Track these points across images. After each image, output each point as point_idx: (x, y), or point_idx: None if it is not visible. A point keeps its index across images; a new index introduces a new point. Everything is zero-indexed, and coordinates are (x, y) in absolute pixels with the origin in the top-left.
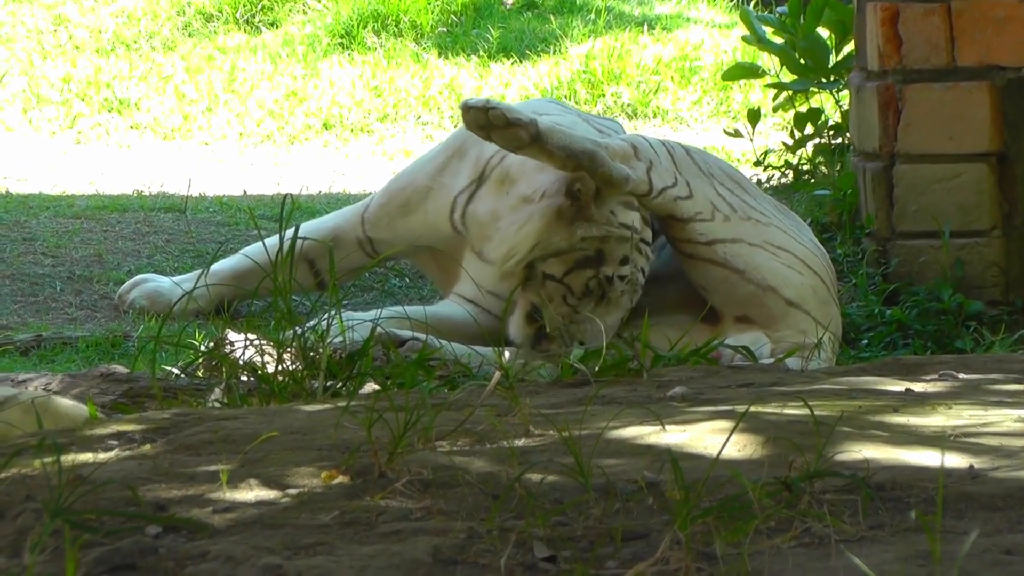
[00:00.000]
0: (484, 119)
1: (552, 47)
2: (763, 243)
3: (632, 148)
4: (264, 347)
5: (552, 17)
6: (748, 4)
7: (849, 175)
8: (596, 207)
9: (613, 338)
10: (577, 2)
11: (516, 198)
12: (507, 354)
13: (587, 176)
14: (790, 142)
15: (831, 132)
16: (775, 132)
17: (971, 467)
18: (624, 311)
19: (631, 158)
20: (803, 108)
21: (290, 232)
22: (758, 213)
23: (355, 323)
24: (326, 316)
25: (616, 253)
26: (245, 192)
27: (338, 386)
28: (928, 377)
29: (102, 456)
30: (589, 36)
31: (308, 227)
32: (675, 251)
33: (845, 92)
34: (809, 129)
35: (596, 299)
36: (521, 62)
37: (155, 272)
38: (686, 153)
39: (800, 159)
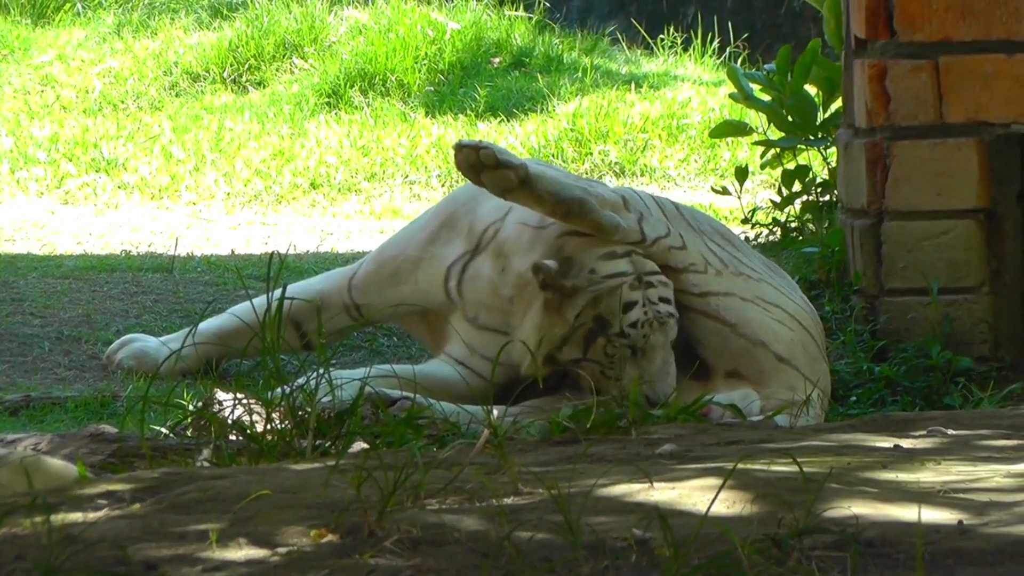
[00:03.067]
0: (475, 158)
1: (539, 106)
2: (755, 298)
3: (622, 199)
4: (253, 406)
5: (539, 76)
6: (735, 61)
7: (837, 232)
8: (572, 279)
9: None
10: (564, 61)
11: (512, 279)
12: (496, 412)
13: (543, 264)
14: (778, 199)
15: (819, 189)
16: (763, 190)
17: (960, 522)
18: (663, 349)
19: (620, 208)
20: (791, 165)
21: (278, 292)
22: (749, 269)
23: (344, 382)
24: (314, 375)
25: (614, 307)
26: (233, 252)
27: (327, 445)
28: (917, 433)
29: (92, 515)
30: (576, 94)
31: (294, 289)
32: None
33: (833, 149)
34: (797, 186)
35: (627, 358)
36: (508, 121)
37: (143, 332)
38: (675, 208)
39: (788, 216)
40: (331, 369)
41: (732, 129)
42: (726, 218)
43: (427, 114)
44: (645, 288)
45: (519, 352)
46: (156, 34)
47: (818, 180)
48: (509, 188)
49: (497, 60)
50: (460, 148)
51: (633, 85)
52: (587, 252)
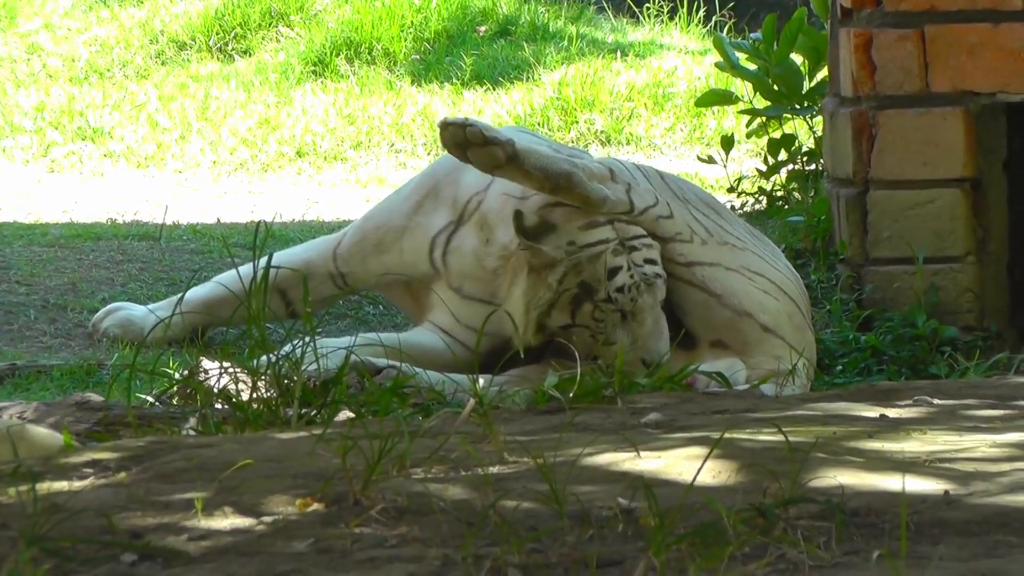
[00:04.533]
0: (461, 136)
1: (525, 74)
2: (740, 268)
3: (609, 171)
4: (238, 375)
5: (525, 45)
6: (721, 30)
7: (823, 201)
8: (553, 244)
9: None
10: (550, 29)
11: (496, 251)
12: (481, 381)
13: (521, 214)
14: (764, 168)
15: (805, 158)
16: (748, 158)
17: (946, 492)
18: (653, 310)
19: (608, 180)
20: (776, 134)
21: (263, 261)
22: (734, 238)
23: (329, 351)
24: (300, 343)
25: (598, 273)
26: (219, 220)
27: (312, 414)
28: (903, 403)
29: (77, 484)
30: (562, 63)
31: (280, 258)
32: None
33: (819, 118)
34: (783, 155)
35: (617, 322)
36: (494, 89)
37: (129, 300)
38: (660, 177)
39: (774, 185)
40: (316, 338)
41: (718, 98)
42: (712, 187)
43: (413, 82)
44: (629, 252)
45: (511, 325)
46: (142, 2)
47: (804, 149)
48: (497, 164)
49: (483, 28)
50: (446, 126)
51: (619, 54)
52: (570, 222)
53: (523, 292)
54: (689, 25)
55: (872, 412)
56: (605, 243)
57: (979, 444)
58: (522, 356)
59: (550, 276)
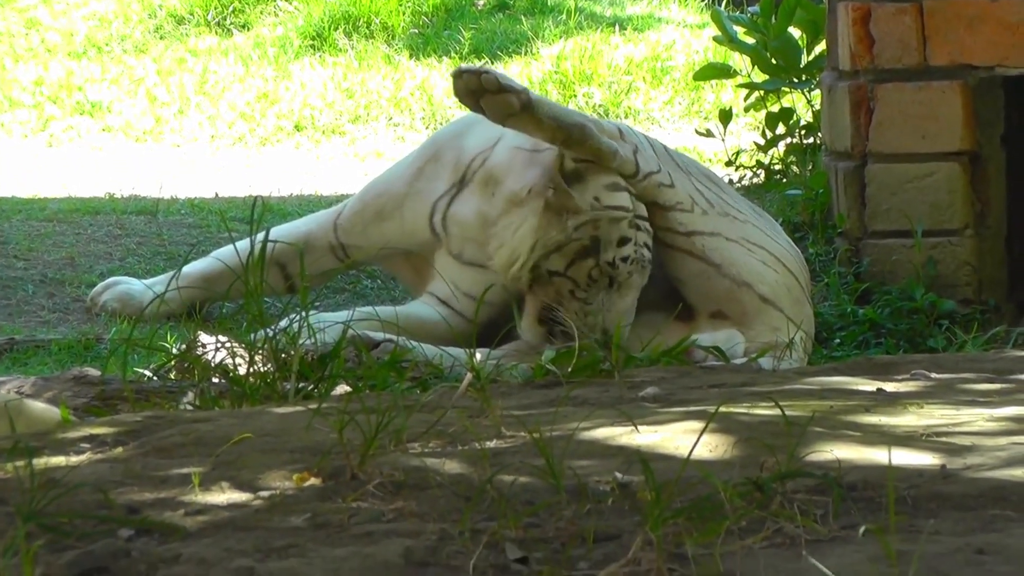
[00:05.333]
0: (476, 83)
1: (524, 48)
2: (740, 239)
3: (619, 131)
4: (236, 349)
5: (523, 18)
6: (720, 4)
7: (821, 175)
8: (579, 193)
9: (588, 338)
10: (548, 3)
11: (503, 199)
12: (479, 355)
13: (563, 155)
14: (762, 142)
15: (803, 132)
16: (747, 132)
17: (943, 467)
18: (636, 290)
19: (617, 138)
20: (775, 108)
21: (261, 235)
22: (735, 210)
23: (326, 325)
24: (297, 318)
25: (612, 236)
26: (217, 194)
27: (310, 388)
28: (900, 377)
29: (74, 459)
30: (560, 37)
31: (280, 231)
32: (654, 241)
33: (817, 92)
34: (781, 129)
35: (604, 286)
36: (493, 63)
37: (127, 275)
38: (664, 148)
39: (772, 159)
40: (314, 312)
41: (716, 72)
42: (710, 160)
43: (411, 56)
44: (636, 230)
45: (502, 260)
46: None
47: (802, 123)
48: (511, 113)
49: (481, 2)
50: (460, 74)
51: (617, 27)
52: (597, 180)
53: (534, 229)
54: None
55: (869, 386)
56: (625, 211)
57: (976, 418)
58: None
59: (569, 221)
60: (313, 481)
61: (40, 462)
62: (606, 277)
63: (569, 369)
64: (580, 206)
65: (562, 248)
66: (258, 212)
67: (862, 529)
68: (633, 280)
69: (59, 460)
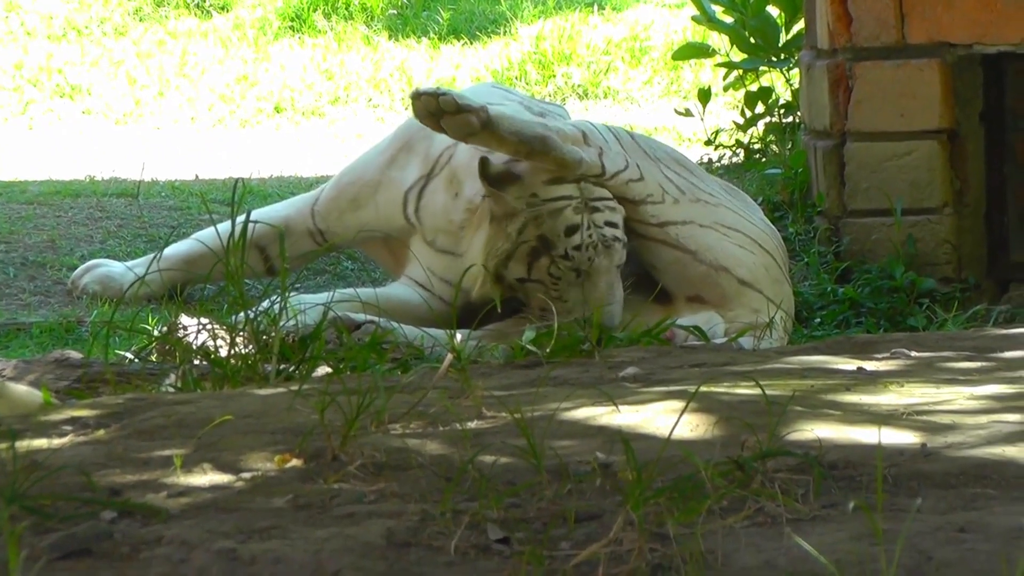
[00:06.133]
0: (435, 105)
1: (502, 28)
2: (714, 224)
3: (582, 134)
4: (217, 331)
5: None
6: None
7: (800, 154)
8: (516, 194)
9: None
10: None
11: (463, 206)
12: (459, 336)
13: (487, 160)
14: (741, 121)
15: (782, 111)
16: (726, 111)
17: (924, 445)
18: (608, 272)
19: (581, 143)
20: (753, 87)
21: (242, 217)
22: (707, 195)
23: (307, 306)
24: (278, 299)
25: (557, 228)
26: (197, 176)
27: (291, 370)
28: (880, 355)
29: (57, 442)
30: (539, 17)
31: (259, 215)
32: (628, 234)
33: (795, 71)
34: (760, 108)
35: (572, 280)
36: (472, 44)
37: (108, 257)
38: (631, 138)
39: (751, 138)
40: (294, 293)
41: (695, 51)
42: (689, 140)
43: (390, 37)
44: (590, 212)
45: (470, 277)
46: None
47: (781, 102)
48: (472, 132)
49: None
50: (418, 96)
51: (596, 7)
52: (534, 175)
53: (484, 242)
54: None
55: (850, 365)
56: (567, 200)
57: (957, 396)
58: (497, 311)
59: (510, 226)
60: (295, 462)
61: (22, 445)
62: (569, 271)
63: (549, 349)
64: (516, 207)
65: (513, 255)
66: (239, 194)
67: (851, 505)
68: (598, 264)
69: (41, 442)
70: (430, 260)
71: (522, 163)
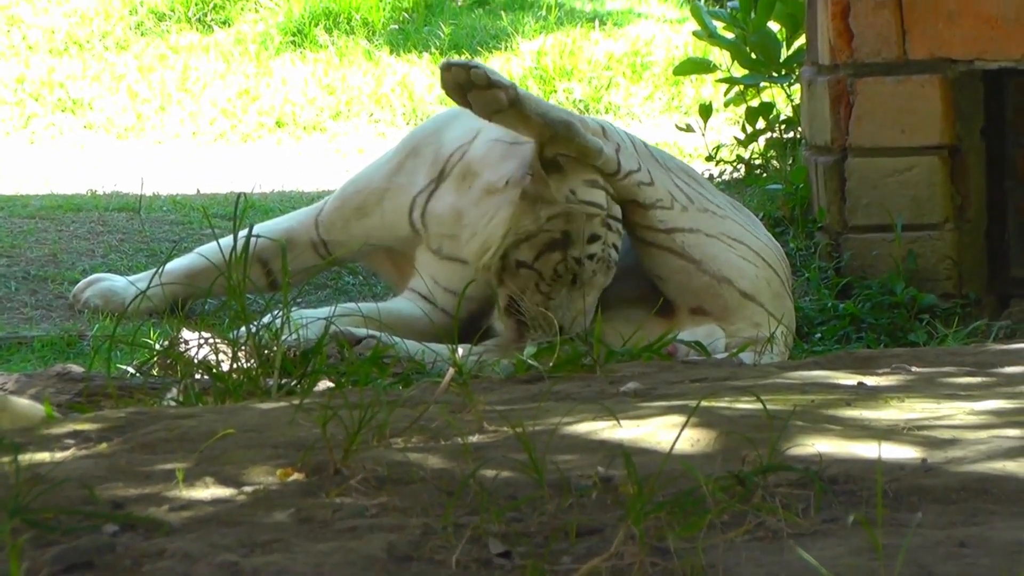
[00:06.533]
0: (465, 77)
1: (504, 43)
2: (719, 235)
3: (602, 129)
4: (218, 346)
5: (503, 13)
6: None
7: (801, 169)
8: (556, 185)
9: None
10: None
11: (480, 190)
12: (460, 351)
13: (544, 147)
14: (742, 137)
15: (783, 126)
16: (727, 127)
17: (924, 460)
18: (598, 291)
19: (601, 136)
20: (755, 103)
21: (244, 232)
22: (714, 206)
23: (309, 321)
24: (279, 314)
25: (582, 232)
26: (199, 191)
27: (293, 384)
28: (881, 370)
29: (59, 455)
30: (540, 32)
31: (261, 228)
32: (633, 238)
33: (796, 86)
34: (761, 123)
35: (568, 283)
36: (473, 58)
37: (109, 271)
38: (644, 145)
39: (752, 153)
40: (296, 308)
41: (696, 67)
42: (690, 155)
43: (392, 52)
44: (607, 229)
45: (483, 244)
46: None
47: (782, 117)
48: (499, 109)
49: None
50: (449, 67)
51: (597, 22)
52: (576, 173)
53: (508, 217)
54: None
55: (850, 380)
56: (600, 208)
57: (957, 412)
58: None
59: (543, 211)
60: (296, 476)
61: (25, 458)
62: (571, 273)
63: (551, 364)
64: (555, 196)
65: (532, 238)
66: (240, 208)
67: (851, 518)
68: (597, 280)
69: (44, 456)
70: (435, 269)
71: (566, 159)
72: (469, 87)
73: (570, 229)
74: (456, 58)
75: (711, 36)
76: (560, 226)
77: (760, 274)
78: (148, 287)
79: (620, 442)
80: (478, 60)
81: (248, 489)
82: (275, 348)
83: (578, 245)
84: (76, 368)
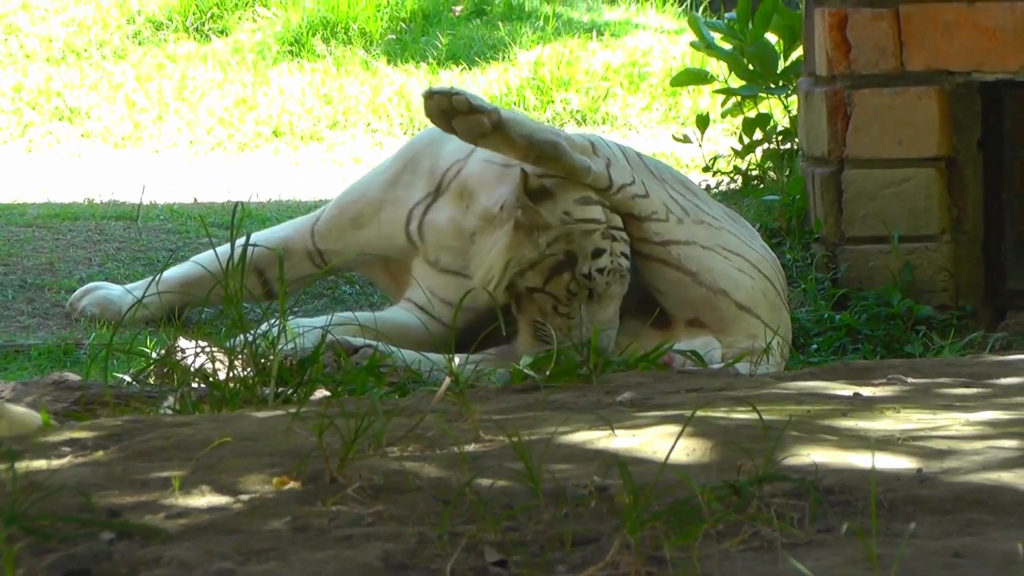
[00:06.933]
0: (447, 104)
1: (501, 54)
2: (715, 246)
3: (591, 144)
4: (215, 354)
5: (501, 24)
6: (697, 10)
7: (798, 180)
8: (549, 209)
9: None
10: (526, 9)
11: (478, 214)
12: (457, 360)
13: (527, 173)
14: (739, 148)
15: (780, 137)
16: (724, 138)
17: (920, 470)
18: (617, 300)
19: (590, 153)
20: (752, 114)
21: (241, 240)
22: (710, 217)
23: (305, 330)
24: (276, 323)
25: (586, 249)
26: (196, 200)
27: (289, 393)
28: (877, 381)
29: (56, 463)
30: (538, 43)
31: (257, 238)
32: (629, 251)
33: (794, 97)
34: (758, 134)
35: (584, 299)
36: (470, 69)
37: (106, 280)
38: (638, 156)
39: (749, 165)
40: (293, 317)
41: (693, 77)
42: (687, 166)
43: (389, 62)
44: (611, 240)
45: (487, 273)
46: None
47: (779, 128)
48: (483, 133)
49: (459, 8)
50: (431, 95)
51: (595, 33)
52: (566, 194)
53: (506, 248)
54: (664, 4)
55: (846, 390)
56: (597, 223)
57: (953, 422)
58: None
59: (541, 238)
60: (293, 485)
61: (21, 465)
62: (585, 290)
63: (547, 374)
64: (550, 222)
65: (537, 265)
66: (237, 217)
67: (844, 527)
68: (612, 290)
69: (40, 463)
70: (432, 281)
71: (554, 181)
72: (452, 113)
73: (572, 249)
74: (437, 86)
75: (708, 47)
76: (562, 247)
77: (756, 286)
78: (145, 295)
79: (616, 452)
80: (462, 87)
81: (244, 497)
82: (272, 357)
83: (584, 262)
84: (73, 376)
